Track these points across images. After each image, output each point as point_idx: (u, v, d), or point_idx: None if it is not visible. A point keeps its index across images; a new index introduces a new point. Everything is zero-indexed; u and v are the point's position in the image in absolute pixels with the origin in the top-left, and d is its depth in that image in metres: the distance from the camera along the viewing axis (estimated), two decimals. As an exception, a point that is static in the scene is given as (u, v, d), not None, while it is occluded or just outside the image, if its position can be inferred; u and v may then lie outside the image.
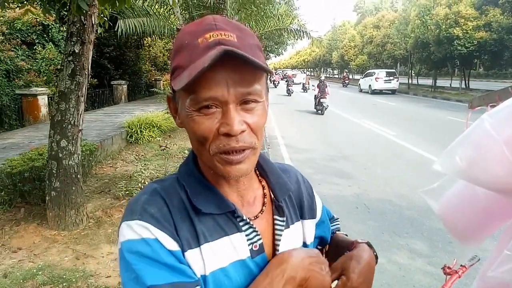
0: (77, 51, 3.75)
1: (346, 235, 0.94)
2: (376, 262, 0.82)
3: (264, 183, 0.76)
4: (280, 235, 0.73)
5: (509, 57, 20.38)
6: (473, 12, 19.45)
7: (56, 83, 10.60)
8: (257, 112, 0.62)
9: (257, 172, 0.76)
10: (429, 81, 27.62)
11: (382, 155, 7.65)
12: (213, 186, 0.69)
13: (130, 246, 0.61)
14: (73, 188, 3.82)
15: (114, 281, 2.90)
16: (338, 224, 1.00)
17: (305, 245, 0.80)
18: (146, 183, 4.87)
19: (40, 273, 2.68)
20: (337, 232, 0.95)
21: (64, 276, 2.65)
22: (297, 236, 0.78)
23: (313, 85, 15.99)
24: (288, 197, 0.79)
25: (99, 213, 4.17)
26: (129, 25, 9.35)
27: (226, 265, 0.66)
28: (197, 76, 0.55)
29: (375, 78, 24.48)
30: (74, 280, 2.70)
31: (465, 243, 1.08)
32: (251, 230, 0.69)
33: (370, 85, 25.02)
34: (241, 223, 0.69)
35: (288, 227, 0.76)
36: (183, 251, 0.63)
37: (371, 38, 33.95)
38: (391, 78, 24.56)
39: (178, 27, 12.53)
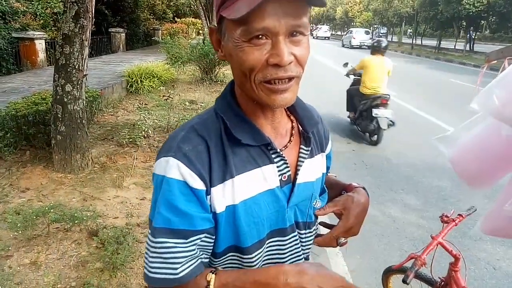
0: (80, -8, 3.63)
1: (336, 176, 1.01)
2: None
3: (292, 117, 0.81)
4: (302, 162, 0.78)
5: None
6: (486, -30, 18.66)
7: (52, 28, 10.30)
8: (303, 44, 0.64)
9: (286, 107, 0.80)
10: (433, 42, 27.05)
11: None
12: (249, 119, 0.73)
13: (159, 180, 0.68)
14: (78, 133, 3.86)
15: (122, 222, 3.04)
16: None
17: (323, 174, 0.88)
18: (150, 132, 4.92)
19: (52, 210, 2.79)
20: (328, 174, 1.01)
21: (75, 215, 2.77)
22: (319, 166, 0.85)
23: None
24: (313, 131, 0.84)
25: (104, 159, 4.25)
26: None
27: (256, 194, 0.72)
28: (258, 5, 0.56)
29: (353, 37, 29.35)
30: (85, 218, 2.82)
31: (474, 186, 1.15)
32: (282, 162, 0.75)
33: (350, 41, 29.75)
34: (273, 155, 0.74)
35: (313, 156, 0.82)
36: (211, 186, 0.68)
37: (378, -7, 32.69)
38: (367, 36, 29.72)
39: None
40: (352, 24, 41.93)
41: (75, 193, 3.48)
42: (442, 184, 4.27)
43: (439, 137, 1.13)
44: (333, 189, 0.92)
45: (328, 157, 0.93)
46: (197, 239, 0.68)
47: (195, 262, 0.69)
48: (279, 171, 0.74)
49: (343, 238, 0.84)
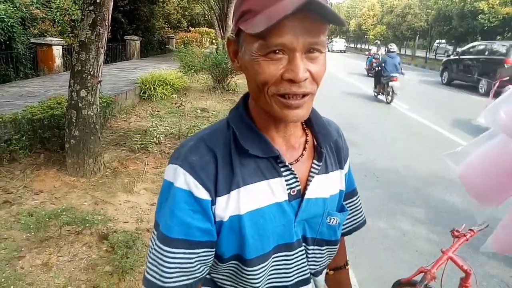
0: (98, 1, 3.73)
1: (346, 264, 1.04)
2: None
3: (308, 131, 0.81)
4: (312, 177, 0.77)
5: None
6: (502, -14, 18.58)
7: (70, 34, 10.56)
8: (319, 62, 0.65)
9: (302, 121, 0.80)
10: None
11: (392, 126, 7.65)
12: (260, 131, 0.73)
13: (167, 185, 0.71)
14: (92, 137, 3.93)
15: (131, 227, 3.07)
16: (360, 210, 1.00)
17: (341, 192, 0.86)
18: (161, 138, 4.98)
19: (64, 213, 2.84)
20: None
21: (87, 218, 2.81)
22: (335, 182, 0.84)
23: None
24: (329, 146, 0.84)
25: (115, 164, 4.31)
26: (145, -22, 9.14)
27: (262, 206, 0.71)
28: (279, 21, 0.56)
29: (333, 45, 39.74)
30: (96, 222, 2.86)
31: (484, 203, 1.15)
32: (291, 175, 0.74)
33: (332, 47, 38.84)
34: (282, 168, 0.73)
35: (327, 172, 0.81)
36: (217, 195, 0.69)
37: (392, 7, 32.80)
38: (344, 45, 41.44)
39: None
40: (366, 37, 41.99)
41: (87, 197, 3.53)
42: (453, 198, 4.22)
43: (449, 153, 1.13)
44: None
45: (349, 175, 0.92)
46: (198, 252, 0.69)
47: (187, 278, 0.69)
48: (287, 184, 0.74)
49: None
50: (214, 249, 0.71)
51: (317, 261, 0.84)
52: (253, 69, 0.65)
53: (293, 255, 0.78)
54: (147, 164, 4.38)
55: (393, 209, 3.93)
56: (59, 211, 2.86)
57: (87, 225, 2.77)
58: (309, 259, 0.82)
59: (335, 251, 0.86)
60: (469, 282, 1.81)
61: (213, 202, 0.69)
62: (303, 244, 0.80)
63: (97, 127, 3.99)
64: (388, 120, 8.37)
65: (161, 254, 0.68)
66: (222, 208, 0.69)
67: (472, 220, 1.78)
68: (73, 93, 3.82)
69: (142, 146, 4.77)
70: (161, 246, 0.68)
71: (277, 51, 0.61)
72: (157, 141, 4.89)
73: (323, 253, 0.84)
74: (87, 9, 3.75)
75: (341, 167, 0.86)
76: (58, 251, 2.64)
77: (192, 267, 0.69)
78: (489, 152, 1.01)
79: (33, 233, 2.79)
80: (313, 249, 0.81)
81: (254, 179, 0.71)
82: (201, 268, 0.71)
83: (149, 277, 0.69)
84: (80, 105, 3.82)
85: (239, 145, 0.71)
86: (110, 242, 2.69)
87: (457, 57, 14.55)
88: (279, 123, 0.73)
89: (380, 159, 5.54)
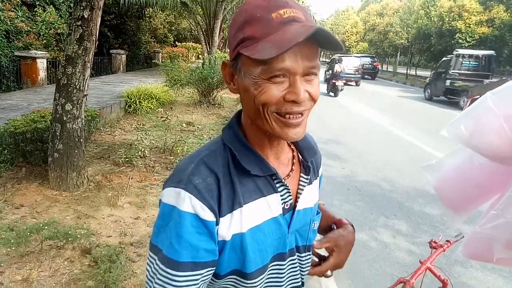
0: (86, 16, 3.77)
1: (324, 204, 1.06)
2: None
3: (292, 147, 0.86)
4: (302, 190, 0.83)
5: (508, 55, 20.47)
6: (477, 7, 19.43)
7: (55, 48, 10.50)
8: (315, 83, 0.71)
9: None
10: (427, 73, 27.68)
11: (376, 141, 7.81)
12: (255, 149, 0.77)
13: (168, 210, 0.71)
14: (76, 151, 3.91)
15: (115, 241, 3.04)
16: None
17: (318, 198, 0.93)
18: (146, 151, 4.97)
19: (45, 228, 2.80)
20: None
21: (69, 232, 2.78)
22: (316, 191, 0.91)
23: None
24: (312, 160, 0.89)
25: (99, 178, 4.27)
26: (132, -7, 9.22)
27: (261, 222, 0.76)
28: (289, 48, 0.61)
29: None
30: (78, 236, 2.83)
31: (457, 213, 1.21)
32: (285, 191, 0.79)
33: None
34: (277, 185, 0.78)
35: (311, 183, 0.87)
36: (221, 216, 0.71)
37: (374, 25, 33.75)
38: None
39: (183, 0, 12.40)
40: (349, 53, 42.93)
41: (70, 211, 3.48)
42: (433, 211, 4.32)
43: (425, 165, 1.20)
44: (323, 219, 0.96)
45: (320, 179, 0.98)
46: (202, 273, 0.70)
47: None
48: (282, 199, 0.79)
49: (330, 272, 0.92)
50: (215, 267, 0.74)
51: (308, 268, 0.89)
52: (255, 91, 0.68)
53: (285, 264, 0.82)
54: (131, 178, 4.36)
55: (375, 221, 4.00)
56: (40, 225, 2.82)
57: (69, 239, 2.74)
58: (303, 267, 0.87)
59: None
60: (446, 291, 1.87)
61: (217, 223, 0.71)
62: (296, 253, 0.85)
63: (81, 140, 3.97)
64: (371, 133, 8.53)
65: (170, 279, 0.68)
66: (226, 228, 0.72)
67: (450, 232, 1.85)
68: (58, 106, 3.81)
69: (127, 159, 4.75)
70: (169, 270, 0.68)
71: (279, 75, 0.66)
72: (142, 155, 4.87)
73: (310, 259, 0.90)
74: (74, 24, 3.77)
75: (318, 175, 0.94)
76: (39, 266, 2.60)
77: (197, 287, 0.71)
78: (459, 164, 1.08)
79: (13, 248, 2.74)
80: (305, 256, 0.87)
81: (253, 197, 0.75)
82: (202, 287, 0.73)
83: None
84: (65, 118, 3.80)
85: (239, 165, 0.74)
86: (93, 257, 2.67)
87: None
88: (273, 141, 0.77)
89: (363, 173, 5.64)
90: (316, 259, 0.92)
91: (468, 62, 14.29)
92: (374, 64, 27.41)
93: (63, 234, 2.76)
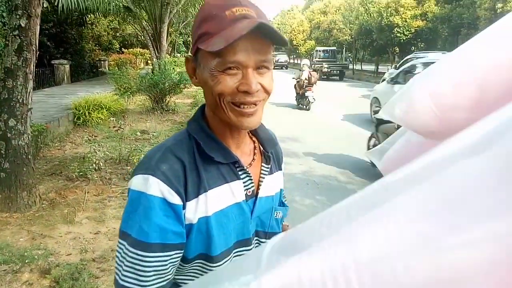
0: (23, 25, 3.59)
1: (288, 226, 1.08)
2: None
3: (254, 139, 0.93)
4: (263, 178, 0.90)
5: (442, 45, 22.05)
6: (411, 2, 20.71)
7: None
8: (267, 76, 0.77)
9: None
10: (372, 67, 29.06)
11: (330, 136, 8.10)
12: (219, 139, 0.83)
13: (136, 195, 0.74)
14: (24, 169, 3.71)
15: (76, 258, 2.93)
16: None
17: (281, 190, 0.99)
18: (101, 163, 4.80)
19: (-2, 252, 2.64)
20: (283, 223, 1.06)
21: (25, 254, 2.64)
22: (278, 181, 0.98)
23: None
24: (272, 151, 0.96)
25: (53, 195, 4.08)
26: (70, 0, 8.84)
27: (225, 207, 0.81)
28: (235, 41, 0.68)
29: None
30: (36, 257, 2.69)
31: None
32: (247, 178, 0.86)
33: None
34: (240, 172, 0.84)
35: (272, 173, 0.94)
36: (187, 200, 0.76)
37: (319, 23, 34.80)
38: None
39: (124, 4, 12.03)
40: (298, 51, 43.93)
41: (23, 233, 3.30)
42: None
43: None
44: None
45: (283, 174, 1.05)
46: (171, 254, 0.74)
47: (162, 280, 0.74)
48: (244, 186, 0.84)
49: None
50: (183, 251, 0.78)
51: None
52: (212, 82, 0.75)
53: (251, 249, 0.88)
54: (88, 192, 4.20)
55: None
56: (-8, 250, 2.66)
57: (25, 261, 2.61)
58: None
59: None
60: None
61: (184, 207, 0.75)
62: (256, 238, 0.90)
63: (29, 157, 3.77)
64: (327, 128, 8.83)
65: (138, 259, 0.71)
66: (192, 212, 0.77)
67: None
68: (0, 123, 3.59)
69: (81, 173, 4.57)
70: (137, 252, 0.71)
71: (232, 67, 0.73)
72: (96, 167, 4.70)
73: None
74: (11, 34, 3.58)
75: (280, 169, 1.01)
76: (-6, 294, 2.45)
77: (166, 269, 0.74)
78: (400, 145, 1.17)
79: (-37, 278, 2.56)
80: (265, 242, 0.91)
81: (217, 183, 0.80)
82: (171, 270, 0.77)
83: (126, 284, 0.72)
84: (9, 135, 3.59)
85: (203, 153, 0.79)
86: (53, 277, 2.56)
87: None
88: (233, 131, 0.83)
89: (320, 168, 5.84)
90: None
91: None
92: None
93: (18, 257, 2.62)
